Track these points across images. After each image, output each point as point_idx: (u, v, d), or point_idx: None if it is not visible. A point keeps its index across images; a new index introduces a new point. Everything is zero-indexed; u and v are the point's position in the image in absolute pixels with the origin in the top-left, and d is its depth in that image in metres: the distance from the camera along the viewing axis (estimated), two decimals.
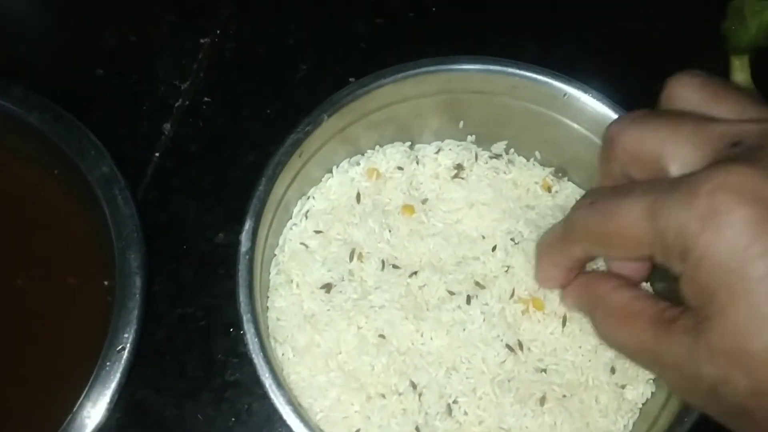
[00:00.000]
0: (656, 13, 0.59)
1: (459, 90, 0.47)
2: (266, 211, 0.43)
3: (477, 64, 0.46)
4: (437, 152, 0.49)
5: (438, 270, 0.45)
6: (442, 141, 0.49)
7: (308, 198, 0.48)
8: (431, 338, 0.43)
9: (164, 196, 0.53)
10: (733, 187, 0.29)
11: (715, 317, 0.30)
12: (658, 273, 0.41)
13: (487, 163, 0.49)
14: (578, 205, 0.36)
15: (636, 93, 0.40)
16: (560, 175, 0.49)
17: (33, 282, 0.47)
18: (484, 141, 0.49)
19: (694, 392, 0.32)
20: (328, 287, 0.44)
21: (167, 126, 0.55)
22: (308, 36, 0.59)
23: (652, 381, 0.44)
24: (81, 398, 0.41)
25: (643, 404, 0.43)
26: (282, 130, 0.44)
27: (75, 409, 0.40)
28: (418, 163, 0.49)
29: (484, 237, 0.46)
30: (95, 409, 0.41)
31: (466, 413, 0.42)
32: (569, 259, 0.39)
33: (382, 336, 0.43)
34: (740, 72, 0.54)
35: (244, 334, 0.39)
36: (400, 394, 0.42)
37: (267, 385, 0.39)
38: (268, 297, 0.45)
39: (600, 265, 0.44)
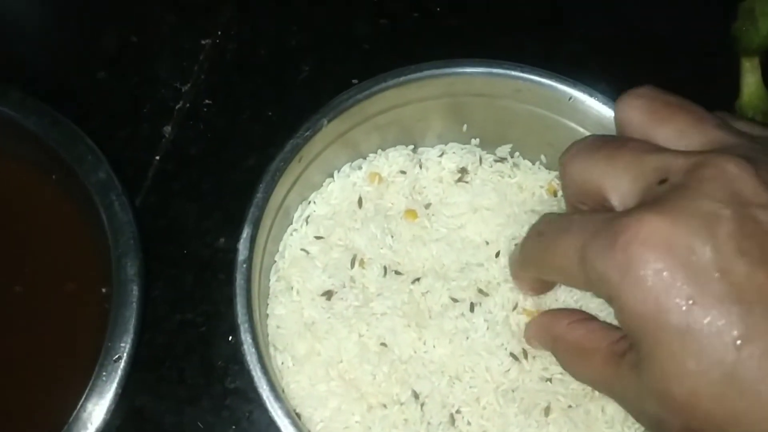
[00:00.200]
0: (663, 13, 0.58)
1: (462, 93, 0.46)
2: (265, 218, 0.42)
3: (481, 68, 0.45)
4: (441, 156, 0.48)
5: (441, 276, 0.44)
6: (446, 144, 0.49)
7: (309, 203, 0.47)
8: (434, 346, 0.42)
9: (164, 199, 0.53)
10: (646, 240, 0.29)
11: (646, 360, 0.31)
12: None
13: (491, 166, 0.48)
14: (530, 232, 0.38)
15: None
16: None
17: (31, 288, 0.46)
18: (488, 144, 0.48)
19: (645, 424, 0.33)
20: (328, 294, 0.44)
21: (168, 128, 0.55)
22: (310, 37, 0.58)
23: None
24: (78, 406, 0.40)
25: None
26: (283, 132, 0.44)
27: (71, 419, 0.40)
28: (421, 166, 0.48)
29: (487, 243, 0.45)
30: (93, 415, 0.40)
31: (469, 423, 0.41)
32: (530, 279, 0.41)
33: (383, 344, 0.42)
34: (751, 74, 0.53)
35: (241, 344, 0.39)
36: (401, 404, 0.41)
37: (264, 397, 0.38)
38: (267, 304, 0.44)
39: None
